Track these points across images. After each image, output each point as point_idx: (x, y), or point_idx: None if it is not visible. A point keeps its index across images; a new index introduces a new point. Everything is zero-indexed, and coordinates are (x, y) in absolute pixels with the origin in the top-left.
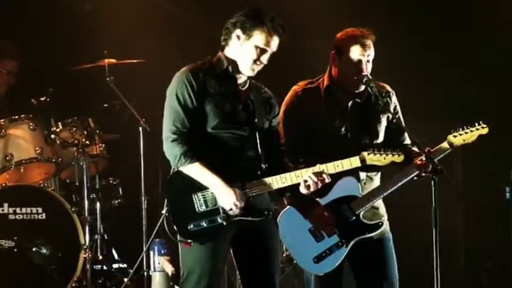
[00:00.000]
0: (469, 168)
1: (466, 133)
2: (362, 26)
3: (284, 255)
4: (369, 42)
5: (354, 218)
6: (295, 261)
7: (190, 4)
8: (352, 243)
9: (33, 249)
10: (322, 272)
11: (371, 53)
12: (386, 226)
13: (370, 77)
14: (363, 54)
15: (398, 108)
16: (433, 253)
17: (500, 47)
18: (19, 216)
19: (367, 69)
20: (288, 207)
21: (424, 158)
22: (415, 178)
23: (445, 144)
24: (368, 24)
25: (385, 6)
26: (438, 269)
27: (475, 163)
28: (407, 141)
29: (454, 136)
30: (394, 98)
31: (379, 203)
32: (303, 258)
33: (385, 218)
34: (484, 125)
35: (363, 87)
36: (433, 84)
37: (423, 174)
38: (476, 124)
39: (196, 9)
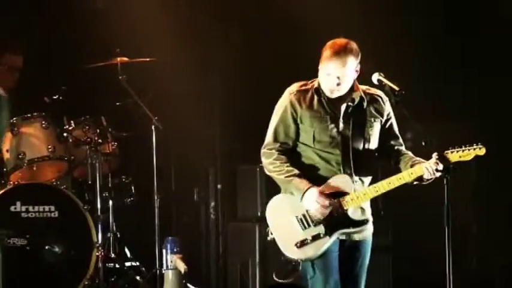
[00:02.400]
0: (483, 163)
1: (463, 151)
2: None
3: (268, 238)
4: (342, 59)
5: (342, 212)
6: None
7: (203, 3)
8: (335, 234)
9: (46, 247)
10: (302, 257)
11: (342, 70)
12: (370, 230)
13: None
14: (333, 68)
15: (391, 114)
16: (445, 252)
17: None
18: (31, 215)
19: (341, 83)
20: (280, 194)
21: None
22: (415, 183)
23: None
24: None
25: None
26: (451, 269)
27: (487, 161)
28: (400, 146)
29: (452, 152)
30: (387, 104)
31: (367, 205)
32: (286, 242)
33: (370, 221)
34: (482, 146)
35: (334, 96)
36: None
37: (428, 178)
38: (475, 145)
39: (208, 9)
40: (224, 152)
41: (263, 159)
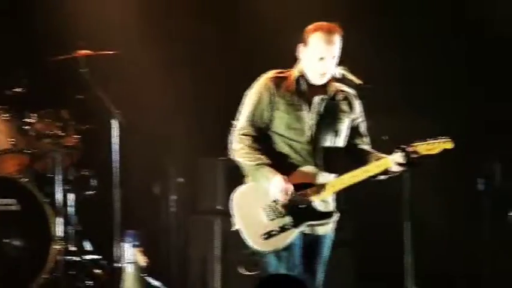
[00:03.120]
0: (444, 161)
1: (429, 144)
2: (334, 19)
3: (233, 229)
4: (334, 38)
5: (308, 204)
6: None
7: None
8: (302, 226)
9: (5, 240)
10: (268, 249)
11: (335, 49)
12: (332, 225)
13: (343, 73)
14: (326, 50)
15: (361, 112)
16: (404, 247)
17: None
18: None
19: (332, 65)
20: (246, 184)
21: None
22: (381, 177)
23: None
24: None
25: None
26: (411, 262)
27: (449, 155)
28: (366, 145)
29: (418, 146)
30: (357, 102)
31: (332, 199)
32: (252, 234)
33: (335, 215)
34: (448, 140)
35: (324, 81)
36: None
37: (395, 170)
38: (440, 138)
39: (174, 3)
40: (185, 145)
41: (234, 143)
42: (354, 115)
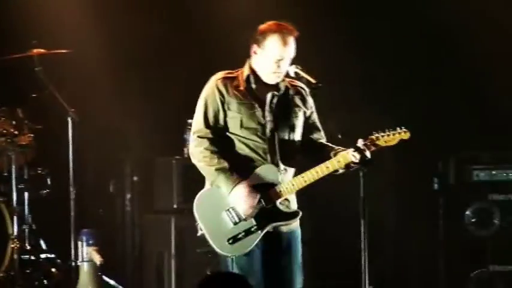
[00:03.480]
0: (399, 159)
1: (388, 135)
2: (287, 20)
3: (198, 234)
4: (290, 40)
5: (271, 205)
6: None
7: None
8: (267, 228)
9: None
10: (235, 254)
11: (291, 50)
12: (297, 221)
13: (298, 71)
14: (285, 52)
15: (313, 108)
16: (361, 245)
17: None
18: None
19: (286, 65)
20: (207, 188)
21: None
22: (341, 171)
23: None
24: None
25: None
26: (366, 261)
27: (405, 154)
28: (322, 139)
29: (377, 138)
30: (310, 97)
31: (293, 197)
32: (218, 239)
33: (299, 213)
34: (406, 130)
35: (279, 80)
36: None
37: (352, 166)
38: (398, 128)
39: (129, 2)
40: (140, 144)
41: (192, 146)
42: (308, 109)
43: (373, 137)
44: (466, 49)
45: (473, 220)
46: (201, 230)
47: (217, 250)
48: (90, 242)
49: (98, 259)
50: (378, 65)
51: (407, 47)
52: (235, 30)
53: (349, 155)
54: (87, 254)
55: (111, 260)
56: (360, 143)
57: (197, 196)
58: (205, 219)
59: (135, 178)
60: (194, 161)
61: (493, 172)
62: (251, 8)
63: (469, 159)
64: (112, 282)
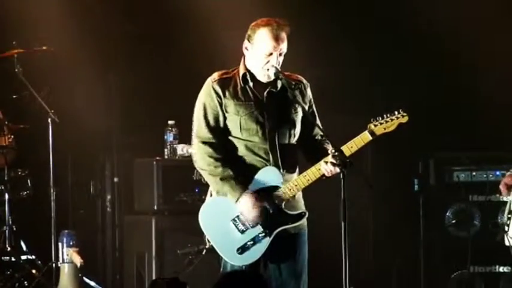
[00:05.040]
0: (379, 160)
1: (386, 122)
2: (278, 16)
3: (207, 246)
4: (282, 35)
5: (277, 208)
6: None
7: None
8: (274, 233)
9: None
10: (247, 263)
11: (283, 45)
12: (304, 222)
13: (279, 69)
14: (274, 46)
15: (312, 101)
16: (341, 246)
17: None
18: None
19: (278, 61)
20: (210, 198)
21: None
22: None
23: (366, 134)
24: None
25: None
26: (347, 263)
27: (385, 155)
28: (319, 136)
29: (375, 125)
30: (308, 91)
31: (299, 196)
32: (227, 251)
33: (306, 213)
34: (404, 114)
35: (272, 78)
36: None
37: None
38: (396, 112)
39: (108, 1)
40: (121, 145)
41: (195, 150)
42: (307, 103)
43: (371, 124)
44: (446, 49)
45: (453, 221)
46: (209, 241)
47: (229, 262)
48: (71, 243)
49: (78, 260)
50: (358, 66)
51: (387, 48)
52: (219, 28)
53: (322, 167)
54: (67, 255)
55: (92, 261)
56: (331, 151)
57: (202, 207)
58: (212, 230)
59: (115, 179)
60: (197, 167)
61: (473, 173)
62: (241, 7)
63: (449, 160)
64: (92, 283)
